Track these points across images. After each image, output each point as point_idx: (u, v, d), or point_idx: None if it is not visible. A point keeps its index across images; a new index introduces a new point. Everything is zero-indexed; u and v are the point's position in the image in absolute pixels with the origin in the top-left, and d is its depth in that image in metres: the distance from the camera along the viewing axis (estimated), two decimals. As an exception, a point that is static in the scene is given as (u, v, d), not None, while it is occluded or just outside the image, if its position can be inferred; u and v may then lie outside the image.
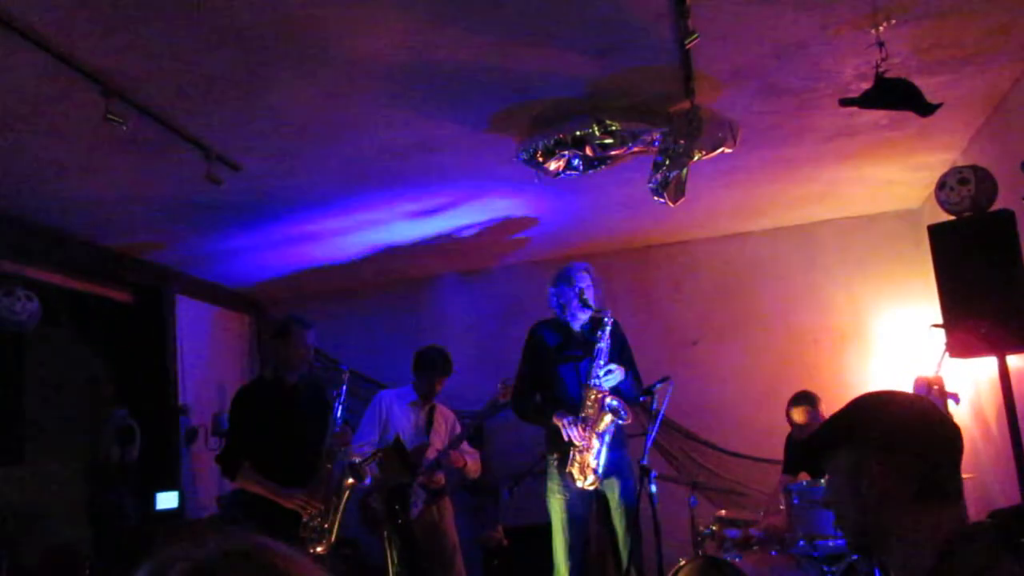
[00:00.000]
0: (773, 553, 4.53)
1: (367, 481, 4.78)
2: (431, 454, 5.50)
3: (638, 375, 4.96)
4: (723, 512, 5.19)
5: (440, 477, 5.54)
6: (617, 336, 4.85)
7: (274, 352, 5.00)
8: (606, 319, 4.76)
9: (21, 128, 3.74)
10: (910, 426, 1.64)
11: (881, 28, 3.25)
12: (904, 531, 1.59)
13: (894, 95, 3.33)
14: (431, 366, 5.60)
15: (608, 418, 4.61)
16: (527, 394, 5.03)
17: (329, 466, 4.72)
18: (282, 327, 4.96)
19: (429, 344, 5.75)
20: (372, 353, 5.97)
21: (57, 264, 5.43)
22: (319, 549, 4.57)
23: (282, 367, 4.90)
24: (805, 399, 5.35)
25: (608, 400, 4.62)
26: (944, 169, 4.43)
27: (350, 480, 4.70)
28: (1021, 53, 3.83)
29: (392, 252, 6.47)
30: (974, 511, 4.59)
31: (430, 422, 5.64)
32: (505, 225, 6.07)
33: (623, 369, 4.72)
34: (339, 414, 4.82)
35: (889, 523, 1.61)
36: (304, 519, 4.60)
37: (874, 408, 1.70)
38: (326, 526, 4.62)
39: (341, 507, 4.69)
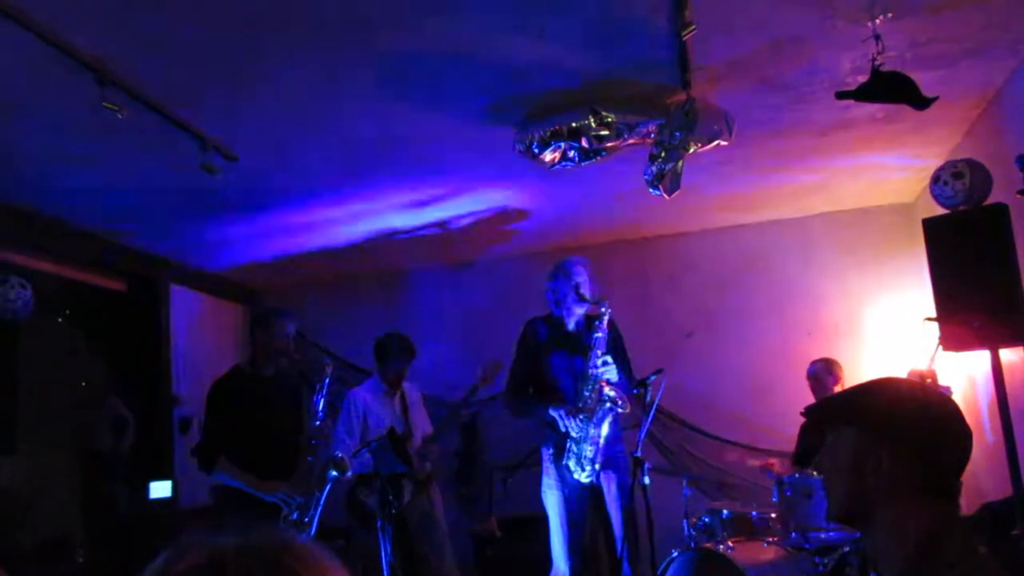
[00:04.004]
0: (765, 544, 4.55)
1: (348, 474, 4.75)
2: (417, 440, 5.52)
3: (631, 371, 4.95)
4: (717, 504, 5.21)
5: (427, 467, 5.55)
6: (613, 328, 4.84)
7: (253, 342, 4.94)
8: (603, 310, 4.74)
9: (15, 115, 3.73)
10: (928, 424, 1.63)
11: (878, 21, 3.25)
12: (893, 520, 1.60)
13: (890, 89, 3.33)
14: (399, 353, 5.57)
15: (606, 407, 4.60)
16: (521, 389, 5.01)
17: (309, 459, 4.70)
18: (262, 316, 4.89)
19: (388, 332, 5.73)
20: (364, 343, 5.96)
21: (51, 253, 5.41)
22: None
23: (260, 357, 4.85)
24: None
25: (606, 390, 4.61)
26: (939, 163, 4.43)
27: (333, 473, 4.65)
28: (1016, 47, 3.84)
29: (385, 242, 6.46)
30: (966, 503, 4.61)
31: (405, 408, 5.64)
32: (499, 216, 6.07)
33: (616, 366, 4.72)
34: (322, 406, 4.78)
35: (881, 510, 1.62)
36: (284, 512, 4.57)
37: (899, 400, 1.68)
38: (305, 520, 4.59)
39: (322, 500, 4.66)
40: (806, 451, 5.38)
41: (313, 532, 4.59)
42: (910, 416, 1.64)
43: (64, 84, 3.38)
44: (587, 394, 4.64)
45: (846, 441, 1.68)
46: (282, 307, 5.05)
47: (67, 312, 6.12)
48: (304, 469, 4.67)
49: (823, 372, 5.56)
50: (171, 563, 0.97)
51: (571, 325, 4.90)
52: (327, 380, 4.82)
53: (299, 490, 4.60)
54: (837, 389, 5.46)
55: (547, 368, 4.89)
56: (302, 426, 4.77)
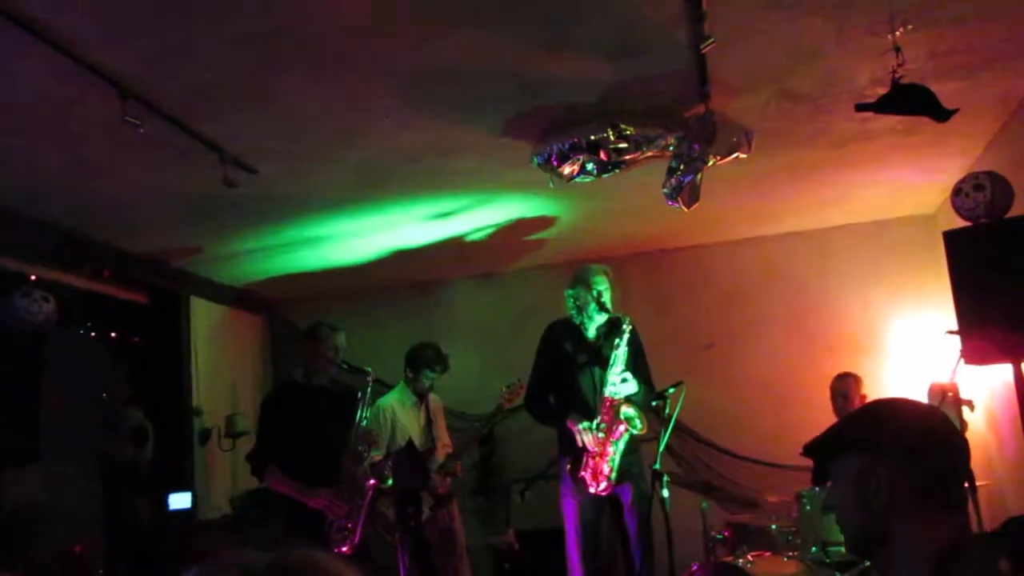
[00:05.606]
0: (785, 558, 4.51)
1: (390, 481, 4.83)
2: (440, 454, 5.52)
3: (651, 381, 4.94)
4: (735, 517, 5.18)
5: (447, 482, 5.55)
6: (634, 343, 4.83)
7: (303, 354, 5.09)
8: (625, 325, 4.73)
9: (38, 130, 3.77)
10: (919, 435, 1.65)
11: (897, 33, 3.23)
12: (906, 538, 1.60)
13: (910, 101, 3.31)
14: (433, 364, 5.58)
15: (623, 427, 4.61)
16: (541, 394, 5.03)
17: (354, 467, 4.76)
18: (312, 329, 5.07)
19: (423, 342, 5.74)
20: (383, 356, 5.96)
21: (74, 266, 5.47)
22: (344, 549, 4.62)
23: (311, 369, 4.99)
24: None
25: (624, 409, 4.61)
26: (960, 175, 4.41)
27: (372, 480, 4.74)
28: (1038, 59, 3.81)
29: (405, 255, 6.48)
30: (988, 518, 4.57)
31: (429, 420, 5.64)
32: (518, 229, 6.07)
33: (635, 382, 4.71)
34: (363, 416, 4.86)
35: (892, 529, 1.61)
36: (329, 519, 4.65)
37: (884, 415, 1.72)
38: (349, 526, 4.67)
39: (364, 508, 4.73)
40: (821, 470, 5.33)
41: (357, 539, 4.65)
42: (897, 429, 1.66)
43: (87, 99, 3.41)
44: (604, 411, 4.65)
45: (847, 470, 1.69)
46: (332, 320, 5.12)
47: (89, 324, 6.17)
48: (348, 477, 4.77)
49: (851, 388, 5.47)
50: None
51: (592, 333, 4.91)
52: (369, 390, 4.90)
53: (343, 497, 4.68)
54: None
55: (567, 376, 4.90)
56: (351, 435, 4.83)
